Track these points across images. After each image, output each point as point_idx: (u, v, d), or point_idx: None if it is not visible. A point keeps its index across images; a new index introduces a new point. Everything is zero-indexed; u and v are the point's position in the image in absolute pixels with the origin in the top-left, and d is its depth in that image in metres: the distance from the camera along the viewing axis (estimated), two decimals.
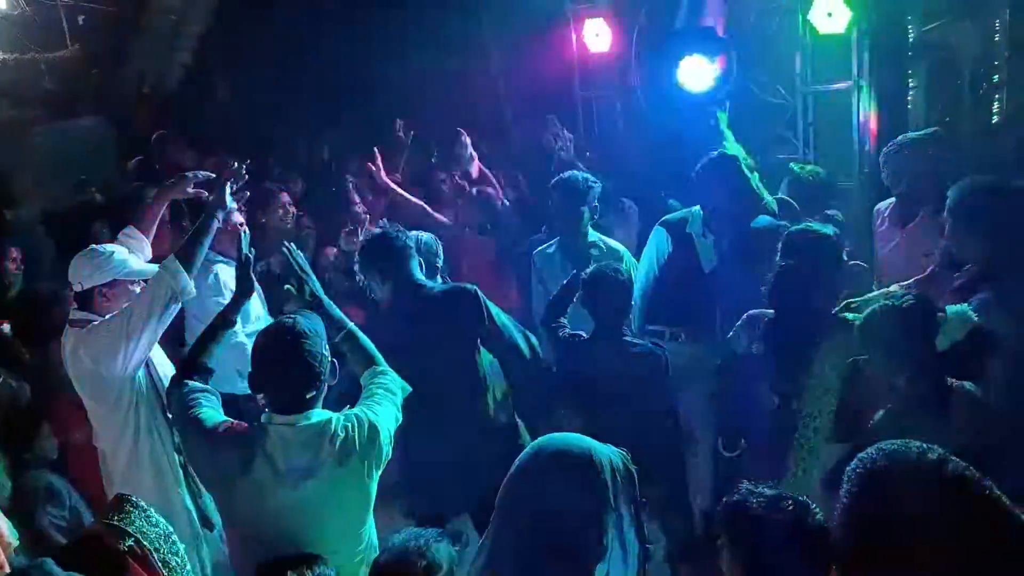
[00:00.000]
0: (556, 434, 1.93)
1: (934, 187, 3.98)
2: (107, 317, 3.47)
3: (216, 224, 3.65)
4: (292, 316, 2.74)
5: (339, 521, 2.68)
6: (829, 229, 3.64)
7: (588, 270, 3.81)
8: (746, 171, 4.33)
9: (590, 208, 4.47)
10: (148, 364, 3.57)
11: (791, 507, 1.81)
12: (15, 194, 7.53)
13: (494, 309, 3.77)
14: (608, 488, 1.80)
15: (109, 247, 3.62)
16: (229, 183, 3.74)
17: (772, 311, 3.48)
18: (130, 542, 2.01)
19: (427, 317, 3.65)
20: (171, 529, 2.12)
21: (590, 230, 4.56)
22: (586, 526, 1.74)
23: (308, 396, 2.62)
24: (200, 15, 10.53)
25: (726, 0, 6.22)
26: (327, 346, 2.70)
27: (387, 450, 2.72)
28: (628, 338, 3.74)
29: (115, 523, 2.04)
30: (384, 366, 2.95)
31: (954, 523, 1.33)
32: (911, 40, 6.43)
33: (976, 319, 2.86)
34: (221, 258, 4.35)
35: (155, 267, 3.63)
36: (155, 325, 3.42)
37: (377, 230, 3.92)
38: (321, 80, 10.94)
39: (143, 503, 2.13)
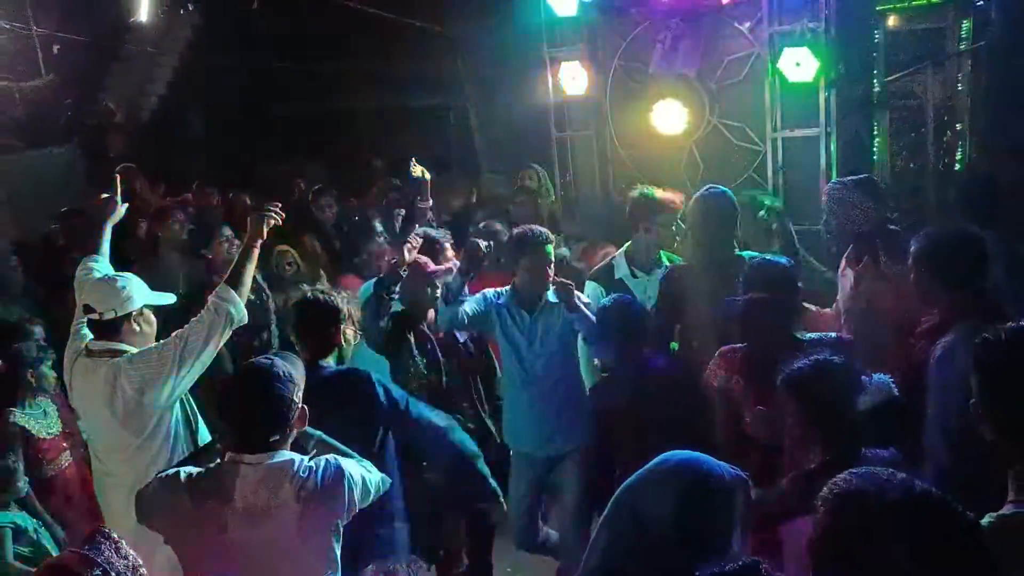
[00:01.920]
0: (681, 451, 2.03)
1: (860, 229, 4.13)
2: (157, 344, 3.37)
3: (256, 252, 3.56)
4: (270, 357, 2.73)
5: (303, 561, 2.63)
6: (784, 259, 3.83)
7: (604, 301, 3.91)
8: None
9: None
10: (182, 397, 3.46)
11: None
12: None
13: (396, 392, 3.64)
14: (736, 508, 1.90)
15: (126, 275, 3.54)
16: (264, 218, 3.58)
17: (743, 344, 3.56)
18: (97, 572, 2.00)
19: (323, 399, 3.31)
20: (140, 562, 2.11)
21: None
22: (710, 538, 1.82)
23: (272, 439, 2.61)
24: (176, 47, 10.56)
25: (698, 47, 6.37)
26: (300, 392, 2.69)
27: (355, 499, 2.69)
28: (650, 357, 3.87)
29: (84, 552, 2.04)
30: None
31: (922, 542, 1.37)
32: (876, 89, 6.63)
33: (895, 392, 2.92)
34: None
35: (169, 295, 3.64)
36: (209, 353, 3.34)
37: (310, 294, 3.90)
38: (296, 114, 11.00)
39: (115, 535, 2.12)
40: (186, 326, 3.36)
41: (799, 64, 5.76)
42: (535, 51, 7.14)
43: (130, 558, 2.07)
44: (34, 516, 3.99)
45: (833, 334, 3.51)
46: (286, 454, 2.66)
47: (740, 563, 1.63)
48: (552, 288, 4.14)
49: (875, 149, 6.58)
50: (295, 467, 2.62)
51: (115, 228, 4.06)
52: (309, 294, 3.95)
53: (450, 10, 9.72)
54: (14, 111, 9.05)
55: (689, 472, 1.97)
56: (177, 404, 3.39)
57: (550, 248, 4.19)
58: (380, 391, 3.57)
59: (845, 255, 4.38)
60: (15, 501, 3.89)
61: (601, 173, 7.14)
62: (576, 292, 4.11)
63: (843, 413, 2.72)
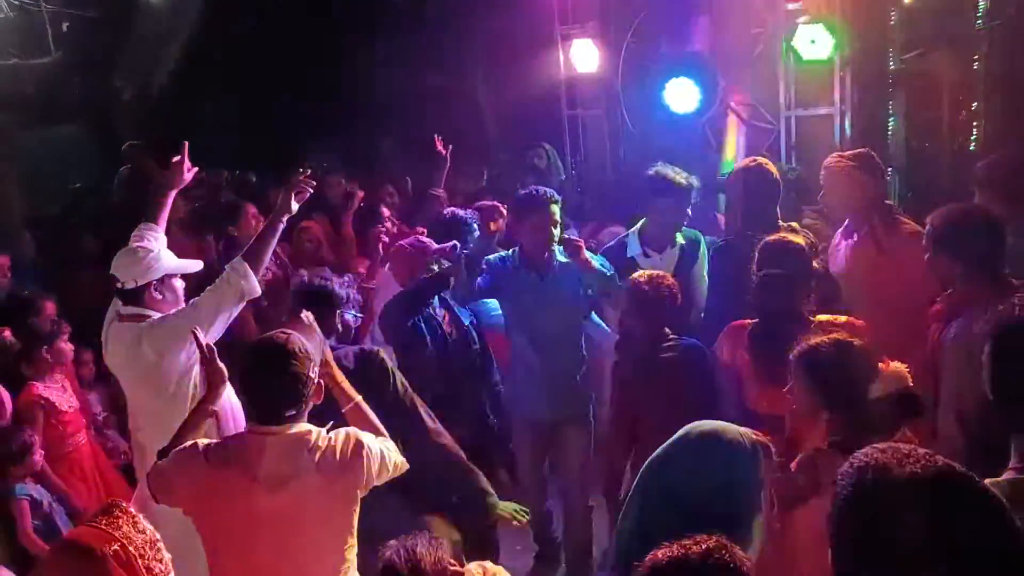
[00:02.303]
0: (703, 422, 2.10)
1: (857, 204, 4.17)
2: (173, 312, 3.54)
3: (281, 227, 3.71)
4: (286, 332, 2.74)
5: (318, 534, 2.66)
6: (800, 239, 3.78)
7: (637, 277, 3.84)
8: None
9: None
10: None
11: None
12: None
13: (404, 381, 3.59)
14: (759, 473, 1.99)
15: (150, 245, 3.66)
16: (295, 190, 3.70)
17: (754, 320, 3.56)
18: (115, 546, 2.00)
19: None
20: (158, 536, 2.12)
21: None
22: (739, 505, 1.91)
23: (288, 413, 2.62)
24: (186, 24, 10.52)
25: (712, 24, 6.31)
26: (316, 368, 2.70)
27: (373, 472, 2.69)
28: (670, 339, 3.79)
29: (101, 527, 2.03)
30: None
31: (946, 516, 1.34)
32: (892, 68, 6.55)
33: (910, 383, 2.91)
34: None
35: (197, 263, 3.82)
36: (221, 322, 3.48)
37: (315, 279, 3.80)
38: (307, 93, 10.95)
39: (132, 509, 2.13)
40: (201, 295, 3.51)
41: (814, 42, 5.70)
42: (546, 29, 7.09)
43: (147, 532, 2.07)
44: (49, 490, 4.04)
45: (844, 317, 3.47)
46: (305, 425, 2.67)
47: (706, 544, 1.65)
48: (561, 247, 4.16)
49: (890, 128, 6.51)
50: (314, 438, 2.64)
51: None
52: (305, 278, 3.86)
53: None
54: (23, 89, 9.03)
55: (712, 440, 2.04)
56: (196, 368, 3.46)
57: (555, 207, 4.18)
58: (392, 377, 3.55)
59: (840, 230, 4.38)
60: (31, 475, 3.94)
61: (612, 152, 7.09)
62: (586, 250, 4.14)
63: (854, 397, 2.70)
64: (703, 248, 4.64)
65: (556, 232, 4.18)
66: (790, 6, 5.98)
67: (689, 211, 4.50)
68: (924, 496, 1.34)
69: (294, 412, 2.64)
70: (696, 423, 2.11)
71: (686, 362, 3.73)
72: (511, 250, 4.40)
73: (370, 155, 9.22)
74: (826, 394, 2.73)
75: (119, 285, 3.55)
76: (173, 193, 3.95)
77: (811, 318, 3.43)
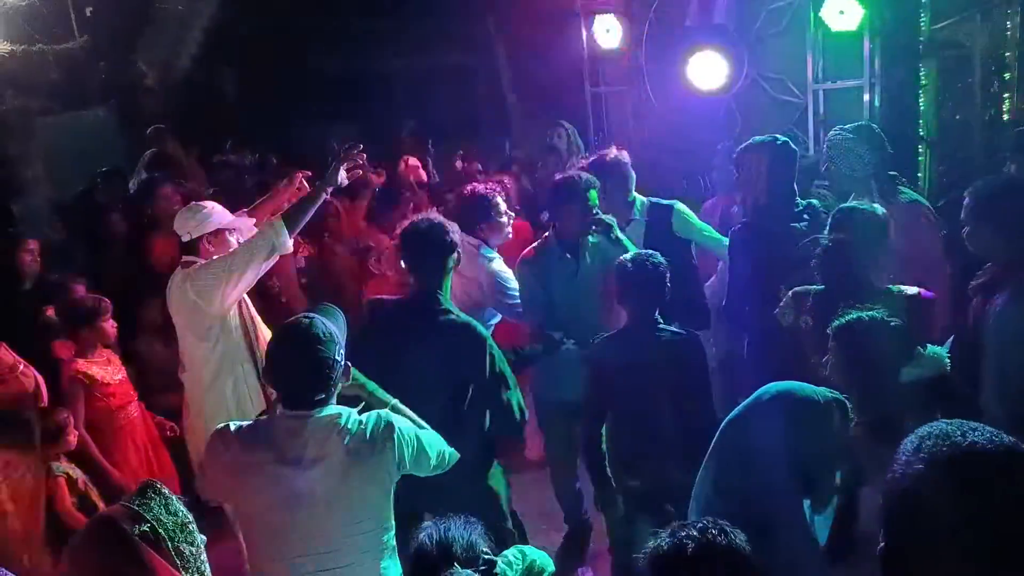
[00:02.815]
0: (777, 383, 2.11)
1: (858, 175, 4.21)
2: (213, 259, 3.99)
3: (324, 197, 4.12)
4: (310, 316, 2.72)
5: (352, 515, 2.64)
6: (879, 209, 3.72)
7: (624, 258, 3.70)
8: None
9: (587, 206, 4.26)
10: (242, 307, 4.07)
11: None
12: (23, 185, 7.52)
13: (499, 359, 3.52)
14: (835, 429, 2.01)
15: (208, 203, 4.20)
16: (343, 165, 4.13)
17: (820, 286, 3.49)
18: (145, 527, 2.00)
19: (428, 343, 3.44)
20: (190, 518, 2.12)
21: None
22: (812, 461, 1.93)
23: (317, 397, 2.62)
24: (208, 7, 10.51)
25: None
26: (341, 350, 2.68)
27: (405, 456, 2.66)
28: (662, 326, 3.62)
29: (133, 507, 2.04)
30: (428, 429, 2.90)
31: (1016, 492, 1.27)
32: (922, 38, 6.42)
33: (948, 368, 2.85)
34: None
35: (249, 220, 4.25)
36: (253, 270, 3.90)
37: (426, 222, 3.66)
38: (328, 74, 10.94)
39: (166, 491, 2.13)
40: (237, 247, 4.00)
41: (843, 12, 5.59)
42: (567, 5, 7.01)
43: (179, 514, 2.06)
44: (89, 467, 4.10)
45: (915, 289, 3.38)
46: (335, 408, 2.66)
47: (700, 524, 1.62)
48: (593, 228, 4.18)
49: (920, 100, 6.38)
50: (344, 420, 2.63)
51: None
52: (417, 220, 3.67)
53: None
54: (49, 74, 9.08)
55: (782, 401, 2.07)
56: (234, 313, 3.98)
57: (594, 193, 4.18)
58: (488, 358, 3.45)
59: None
60: (66, 454, 3.99)
61: (635, 129, 7.02)
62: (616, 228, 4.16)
63: (882, 376, 2.65)
64: (678, 207, 4.59)
65: (592, 215, 4.19)
66: None
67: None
68: (995, 472, 1.27)
69: (323, 396, 2.63)
70: (771, 384, 2.11)
71: (674, 357, 3.54)
72: (544, 236, 4.39)
73: (392, 134, 9.19)
74: (855, 371, 2.69)
75: (178, 237, 4.09)
76: (282, 199, 4.39)
77: (882, 286, 3.36)
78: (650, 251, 3.72)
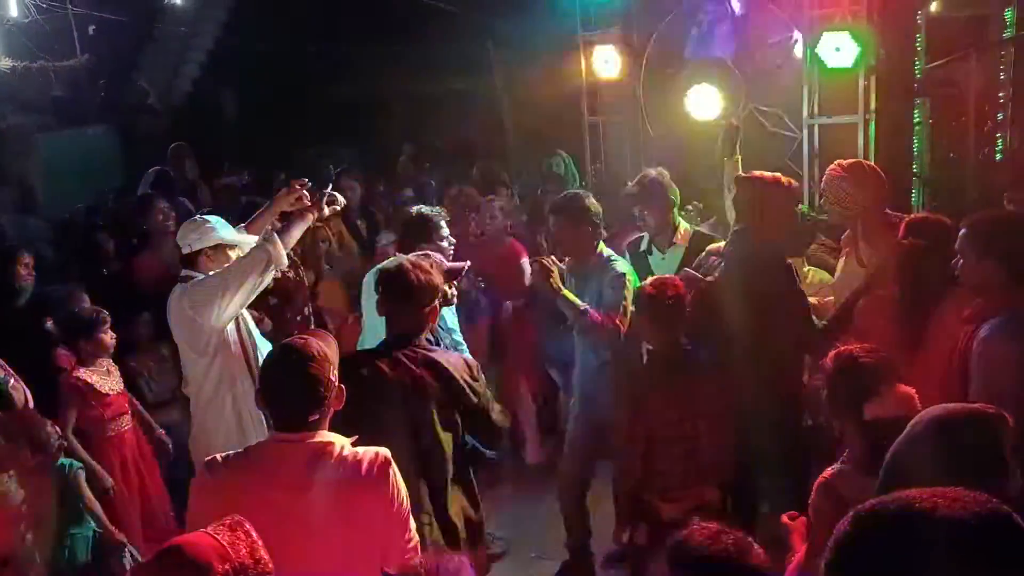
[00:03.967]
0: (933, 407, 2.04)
1: (848, 214, 4.27)
2: (210, 274, 3.98)
3: (311, 219, 4.16)
4: (304, 337, 2.70)
5: (342, 546, 2.56)
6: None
7: (644, 283, 3.80)
8: None
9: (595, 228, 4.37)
10: (239, 324, 4.06)
11: None
12: (21, 200, 7.53)
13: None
14: (1002, 442, 1.96)
15: (211, 217, 4.16)
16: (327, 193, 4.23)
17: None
18: (227, 567, 1.90)
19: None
20: (272, 568, 2.04)
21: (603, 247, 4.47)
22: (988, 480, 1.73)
23: (311, 418, 2.57)
24: (211, 29, 10.62)
25: (735, 31, 6.29)
26: (335, 372, 2.64)
27: (401, 492, 2.61)
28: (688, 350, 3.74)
29: (222, 542, 1.93)
30: None
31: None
32: (917, 76, 6.50)
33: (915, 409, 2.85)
34: None
35: (251, 237, 4.20)
36: (249, 287, 3.89)
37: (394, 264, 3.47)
38: (328, 98, 11.02)
39: (254, 533, 2.05)
40: (232, 262, 3.98)
41: (839, 49, 5.65)
42: (568, 35, 7.09)
43: (263, 561, 1.98)
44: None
45: None
46: (328, 435, 2.62)
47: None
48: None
49: (915, 137, 6.45)
50: (337, 449, 2.58)
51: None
52: (394, 264, 3.44)
53: None
54: (51, 91, 9.14)
55: (950, 421, 2.01)
56: (231, 328, 3.97)
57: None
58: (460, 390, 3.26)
59: (842, 238, 4.45)
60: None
61: (633, 159, 7.07)
62: (555, 278, 4.10)
63: (853, 412, 2.65)
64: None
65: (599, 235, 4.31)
66: (815, 13, 5.94)
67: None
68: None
69: (317, 416, 2.58)
70: (927, 410, 2.09)
71: (700, 375, 3.68)
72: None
73: (390, 159, 9.25)
74: (835, 405, 2.73)
75: (181, 250, 4.07)
76: (277, 210, 4.35)
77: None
78: (669, 276, 3.81)
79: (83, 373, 4.30)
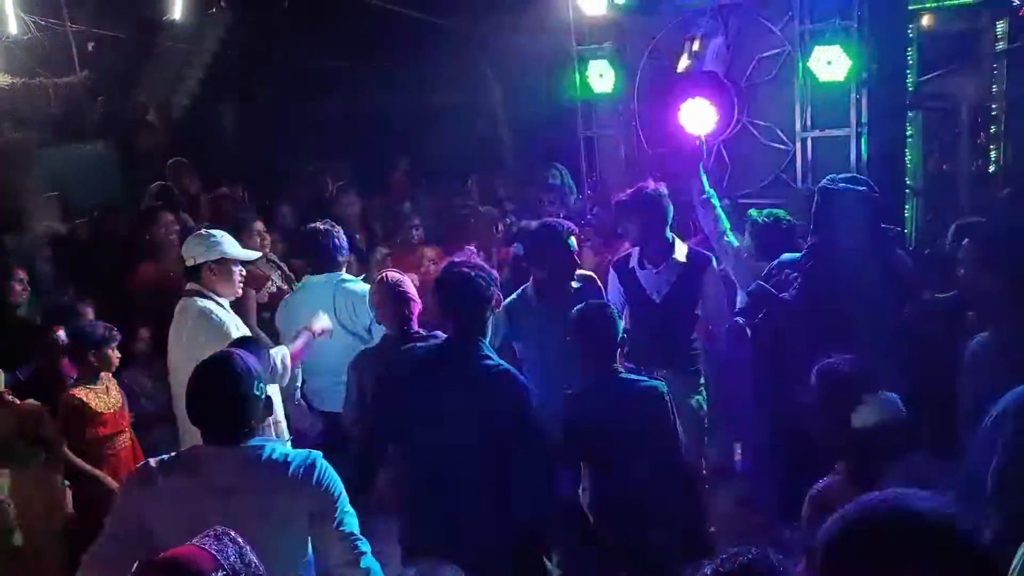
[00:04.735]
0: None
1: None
2: (206, 336, 3.93)
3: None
4: (228, 352, 2.75)
5: (269, 546, 2.49)
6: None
7: (575, 310, 3.59)
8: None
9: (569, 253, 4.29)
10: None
11: None
12: (20, 216, 7.55)
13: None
14: None
15: (217, 231, 4.24)
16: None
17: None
18: (221, 574, 1.93)
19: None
20: (263, 571, 2.06)
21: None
22: None
23: (238, 431, 2.61)
24: (209, 46, 10.67)
25: (728, 45, 6.33)
26: (262, 384, 2.66)
27: (330, 493, 2.61)
28: (624, 375, 3.52)
29: (210, 551, 1.95)
30: None
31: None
32: (910, 89, 6.53)
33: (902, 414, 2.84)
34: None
35: (255, 253, 4.45)
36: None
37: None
38: (325, 113, 11.06)
39: (240, 539, 2.05)
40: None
41: (830, 63, 5.69)
42: (563, 49, 7.13)
43: (252, 565, 2.00)
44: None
45: None
46: (258, 440, 2.65)
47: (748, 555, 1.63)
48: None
49: (908, 151, 6.48)
50: (268, 451, 2.61)
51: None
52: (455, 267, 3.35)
53: (478, 9, 9.73)
54: (49, 107, 9.18)
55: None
56: None
57: (572, 240, 4.22)
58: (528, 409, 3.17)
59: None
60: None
61: (628, 172, 7.10)
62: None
63: (838, 424, 2.66)
64: (712, 267, 4.63)
65: (577, 261, 4.27)
66: (807, 27, 5.97)
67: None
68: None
69: (246, 430, 2.62)
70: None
71: (639, 405, 3.45)
72: (524, 287, 4.39)
73: (386, 174, 9.28)
74: (824, 418, 2.74)
75: (185, 262, 4.14)
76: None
77: None
78: (599, 301, 3.74)
79: (80, 392, 4.30)
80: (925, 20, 6.80)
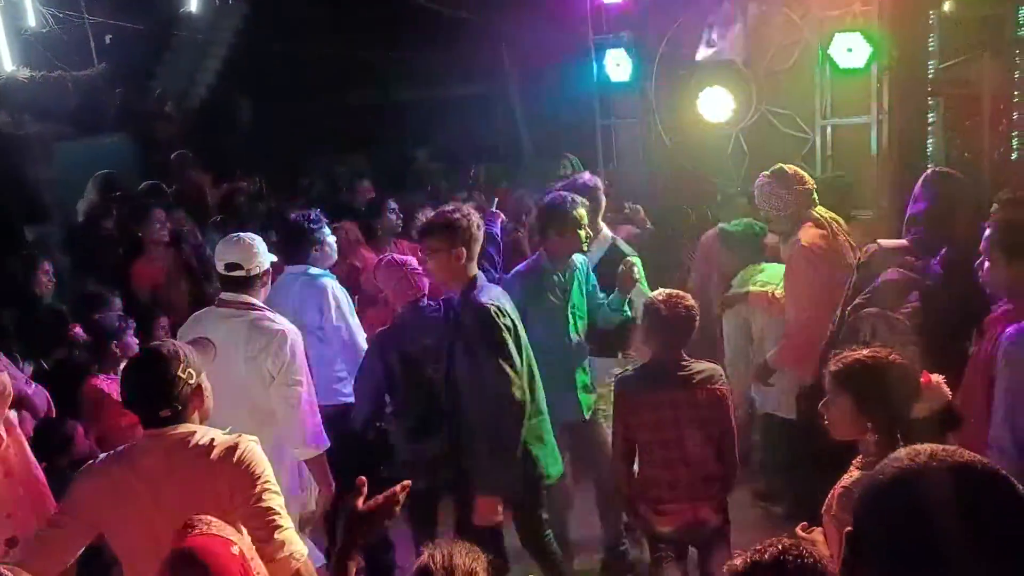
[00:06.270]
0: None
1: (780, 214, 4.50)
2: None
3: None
4: (162, 341, 2.93)
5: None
6: None
7: (656, 297, 3.68)
8: None
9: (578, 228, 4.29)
10: None
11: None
12: (39, 209, 7.61)
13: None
14: None
15: (249, 235, 3.89)
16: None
17: None
18: (235, 549, 2.03)
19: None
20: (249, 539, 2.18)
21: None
22: None
23: (162, 414, 2.68)
24: (225, 37, 10.70)
25: (747, 33, 6.28)
26: (192, 371, 2.73)
27: (250, 475, 2.63)
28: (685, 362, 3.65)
29: (214, 533, 2.04)
30: None
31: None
32: (930, 76, 6.46)
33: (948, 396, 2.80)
34: None
35: (271, 257, 3.96)
36: None
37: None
38: (342, 104, 11.09)
39: (216, 521, 2.13)
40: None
41: (851, 50, 5.63)
42: (580, 39, 7.10)
43: (244, 534, 2.10)
44: None
45: None
46: (190, 426, 2.72)
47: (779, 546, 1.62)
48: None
49: (928, 137, 6.41)
50: (196, 438, 2.68)
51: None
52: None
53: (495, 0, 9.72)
54: (68, 100, 9.23)
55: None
56: None
57: (582, 211, 4.23)
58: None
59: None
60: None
61: (646, 162, 7.08)
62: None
63: (896, 416, 2.60)
64: (637, 261, 4.55)
65: (582, 234, 4.23)
66: (826, 14, 5.92)
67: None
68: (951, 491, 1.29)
69: (169, 413, 2.69)
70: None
71: (699, 391, 3.60)
72: (535, 257, 4.41)
73: (404, 163, 9.29)
74: (868, 413, 2.61)
75: (243, 271, 3.73)
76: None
77: None
78: (680, 292, 3.76)
79: (101, 381, 4.35)
80: (946, 5, 6.71)
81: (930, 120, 6.46)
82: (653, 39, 6.78)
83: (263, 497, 2.64)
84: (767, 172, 4.53)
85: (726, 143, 6.49)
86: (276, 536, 2.59)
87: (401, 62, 10.77)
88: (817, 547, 1.93)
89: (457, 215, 3.67)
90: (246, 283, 3.75)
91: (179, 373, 2.69)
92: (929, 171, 4.37)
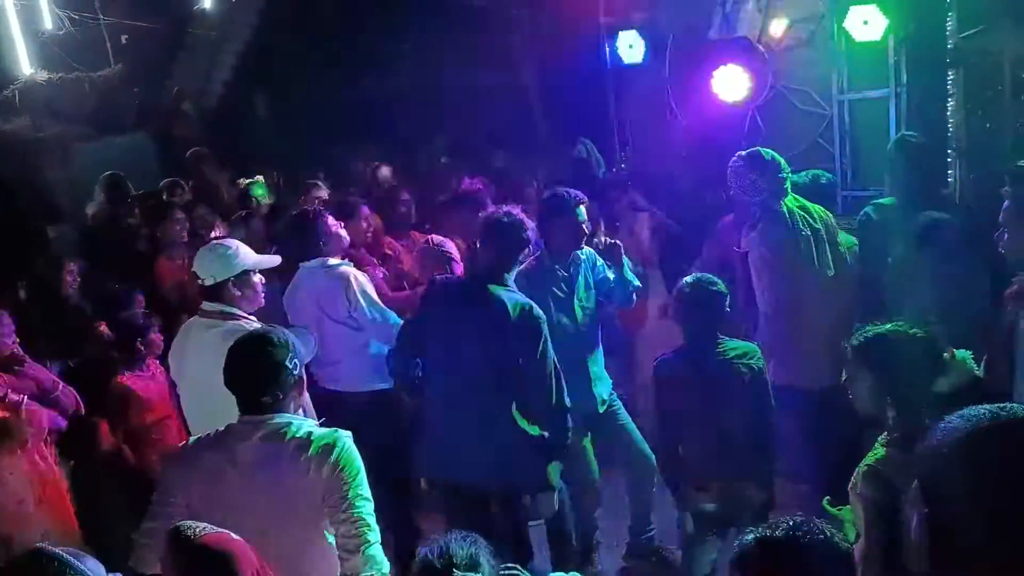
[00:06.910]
0: None
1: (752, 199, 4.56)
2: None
3: None
4: (270, 327, 2.91)
5: (294, 522, 2.65)
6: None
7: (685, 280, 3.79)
8: None
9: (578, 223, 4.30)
10: None
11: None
12: (59, 210, 7.69)
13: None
14: None
15: (230, 241, 3.88)
16: None
17: None
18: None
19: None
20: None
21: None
22: None
23: (264, 399, 2.68)
24: (240, 33, 10.72)
25: (760, 10, 6.21)
26: (296, 360, 2.74)
27: (342, 477, 2.63)
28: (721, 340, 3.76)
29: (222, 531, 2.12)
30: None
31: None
32: (949, 46, 6.35)
33: (977, 372, 2.76)
34: None
35: (275, 258, 4.00)
36: None
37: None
38: (359, 95, 11.07)
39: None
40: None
41: (867, 22, 5.55)
42: (592, 21, 7.06)
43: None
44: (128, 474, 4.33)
45: None
46: (287, 416, 2.71)
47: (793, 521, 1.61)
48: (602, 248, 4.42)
49: (948, 109, 6.31)
50: (295, 429, 2.67)
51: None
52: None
53: None
54: (86, 101, 9.31)
55: None
56: None
57: (582, 209, 4.26)
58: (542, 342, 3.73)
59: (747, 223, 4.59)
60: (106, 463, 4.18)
61: (660, 143, 7.03)
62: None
63: (919, 391, 2.56)
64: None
65: (585, 230, 4.29)
66: None
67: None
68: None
69: (270, 400, 2.68)
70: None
71: (736, 367, 3.70)
72: (538, 254, 4.40)
73: (420, 153, 9.28)
74: (888, 392, 2.59)
75: (200, 281, 3.71)
76: None
77: None
78: (707, 275, 3.82)
79: (127, 379, 4.39)
80: None
81: (950, 91, 6.35)
82: (666, 19, 6.72)
83: (355, 504, 2.63)
84: (743, 152, 4.55)
85: (742, 122, 6.43)
86: (364, 551, 2.56)
87: (416, 51, 10.75)
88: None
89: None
90: (213, 293, 3.70)
91: (286, 362, 2.69)
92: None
